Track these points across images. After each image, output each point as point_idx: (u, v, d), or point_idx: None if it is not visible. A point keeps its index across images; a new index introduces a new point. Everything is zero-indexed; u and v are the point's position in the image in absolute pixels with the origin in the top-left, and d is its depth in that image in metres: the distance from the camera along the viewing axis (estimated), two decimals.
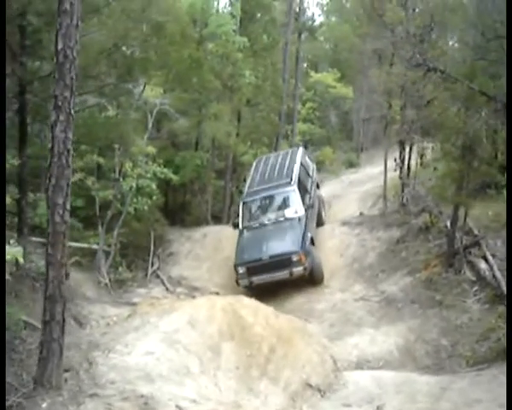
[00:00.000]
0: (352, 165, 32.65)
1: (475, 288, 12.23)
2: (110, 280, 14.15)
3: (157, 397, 6.89)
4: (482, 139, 12.79)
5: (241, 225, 15.12)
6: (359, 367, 10.16)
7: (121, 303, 13.02)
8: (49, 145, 5.76)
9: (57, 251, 5.86)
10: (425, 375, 9.40)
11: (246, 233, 14.96)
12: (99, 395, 6.52)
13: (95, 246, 14.29)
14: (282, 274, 13.69)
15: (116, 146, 14.12)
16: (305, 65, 37.28)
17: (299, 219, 14.69)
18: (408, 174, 17.69)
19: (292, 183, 15.37)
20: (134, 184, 14.72)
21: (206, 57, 19.24)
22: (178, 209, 20.89)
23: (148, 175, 15.41)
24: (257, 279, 13.80)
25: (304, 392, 8.61)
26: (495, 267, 12.21)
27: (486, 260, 12.61)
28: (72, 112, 5.66)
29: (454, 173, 12.67)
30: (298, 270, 13.69)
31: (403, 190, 17.72)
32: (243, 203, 15.55)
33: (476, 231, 13.64)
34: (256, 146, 24.21)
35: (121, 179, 14.62)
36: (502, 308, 11.06)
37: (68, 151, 5.65)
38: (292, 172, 15.87)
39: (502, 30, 9.39)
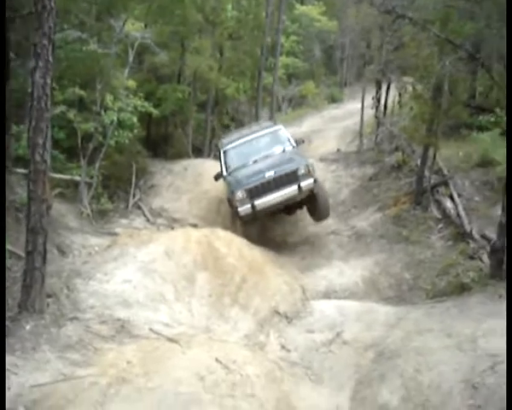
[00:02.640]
0: (334, 100, 32.82)
1: (440, 225, 12.83)
2: (92, 211, 14.42)
3: (133, 321, 7.51)
4: (455, 82, 13.20)
5: (224, 172, 13.50)
6: (326, 297, 10.76)
7: (102, 233, 13.42)
8: (29, 90, 6.12)
9: (38, 187, 6.32)
10: (385, 306, 10.07)
11: (235, 173, 13.14)
12: (79, 319, 7.11)
13: (77, 178, 14.55)
14: (290, 191, 12.17)
15: (97, 80, 14.29)
16: None
17: (294, 148, 13.61)
18: (384, 113, 18.09)
19: (276, 125, 14.73)
20: (115, 118, 14.92)
21: None
22: (160, 142, 21.14)
23: (129, 108, 15.64)
24: (261, 202, 12.10)
25: (272, 318, 9.20)
26: (460, 207, 12.80)
27: (453, 200, 13.21)
28: (51, 59, 6.00)
29: (425, 115, 13.12)
30: (307, 184, 12.22)
31: (378, 129, 18.13)
32: (224, 152, 13.88)
33: (445, 171, 14.20)
34: (238, 79, 24.29)
35: (102, 112, 14.82)
36: (463, 246, 11.72)
37: (47, 96, 6.01)
38: (272, 123, 15.52)
39: None
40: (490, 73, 9.32)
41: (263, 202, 12.11)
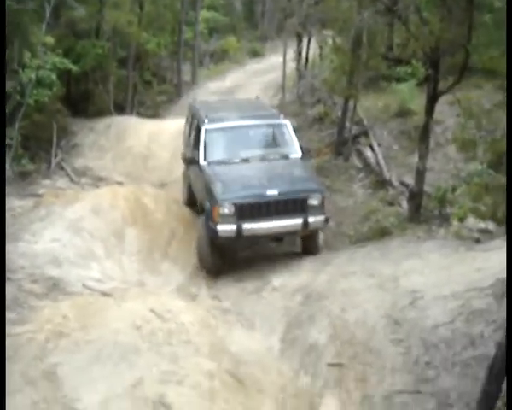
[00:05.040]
0: (256, 54, 32.75)
1: (361, 174, 13.35)
2: (13, 173, 14.18)
3: (65, 279, 7.56)
4: (373, 35, 13.60)
5: (202, 159, 9.98)
6: None
7: (26, 195, 13.20)
8: None
9: None
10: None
11: (218, 168, 9.82)
12: (11, 279, 7.09)
13: None
14: (291, 224, 9.13)
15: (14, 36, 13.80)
16: None
17: (302, 159, 10.34)
18: (306, 66, 18.36)
19: (282, 116, 11.14)
20: (33, 76, 14.50)
21: None
22: (81, 100, 20.62)
23: (48, 66, 15.18)
24: (252, 228, 8.95)
25: (202, 271, 9.46)
26: (379, 156, 13.34)
27: (372, 149, 13.73)
28: None
29: (345, 67, 13.48)
30: (316, 221, 9.21)
31: (299, 82, 18.42)
32: (206, 131, 10.30)
33: (365, 122, 14.68)
34: (159, 34, 23.92)
35: (20, 70, 14.39)
36: (383, 193, 12.29)
37: None
38: (273, 109, 12.18)
39: None
40: (406, 25, 9.69)
41: (254, 228, 8.96)
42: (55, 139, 16.18)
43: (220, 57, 31.74)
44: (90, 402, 4.42)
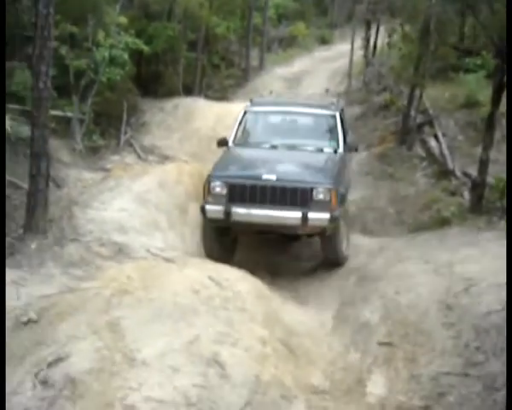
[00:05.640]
0: (325, 41, 32.74)
1: (424, 163, 13.29)
2: (84, 147, 14.72)
3: (130, 245, 7.95)
4: (442, 24, 13.44)
5: (231, 141, 9.53)
6: None
7: (95, 168, 13.72)
8: (33, 20, 6.37)
9: (41, 113, 6.64)
10: (370, 237, 10.59)
11: (239, 149, 9.42)
12: (79, 241, 7.53)
13: (69, 114, 14.77)
14: (288, 217, 7.97)
15: (89, 16, 14.36)
16: None
17: (338, 155, 9.29)
18: (373, 54, 18.29)
19: (333, 107, 10.09)
20: (107, 54, 15.02)
21: None
22: (151, 80, 21.16)
23: (121, 46, 15.70)
24: (240, 214, 8.00)
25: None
26: (444, 145, 13.24)
27: (437, 139, 13.62)
28: None
29: (412, 55, 13.40)
30: (318, 218, 7.95)
31: (366, 69, 18.37)
32: (244, 113, 9.93)
33: (431, 111, 14.56)
34: (229, 18, 24.23)
35: (94, 49, 14.93)
36: (445, 183, 12.21)
37: (50, 25, 6.27)
38: (331, 101, 10.83)
39: None
40: (475, 15, 9.59)
41: (243, 214, 8.01)
42: (125, 117, 16.71)
43: (289, 43, 31.84)
44: (149, 354, 4.71)
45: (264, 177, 8.08)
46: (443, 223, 10.49)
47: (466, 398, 5.29)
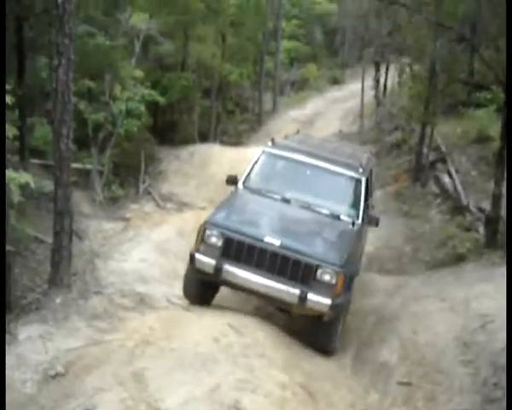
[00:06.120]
0: (336, 81, 33.25)
1: (438, 200, 13.44)
2: (104, 198, 15.01)
3: (151, 294, 8.16)
4: (451, 62, 13.70)
5: (241, 182, 8.43)
6: None
7: (115, 218, 13.98)
8: (53, 85, 6.73)
9: (64, 173, 6.96)
10: (387, 276, 10.70)
11: (247, 194, 8.30)
12: (102, 293, 7.77)
13: (89, 166, 15.14)
14: (284, 292, 6.92)
15: (106, 71, 14.87)
16: None
17: (354, 227, 8.04)
18: (384, 93, 18.62)
19: (361, 170, 8.73)
20: (124, 107, 15.48)
21: None
22: (167, 129, 21.67)
23: (137, 98, 16.17)
24: (233, 273, 7.03)
25: None
26: (457, 182, 13.39)
27: (450, 175, 13.78)
28: (72, 56, 6.62)
29: (422, 94, 13.66)
30: (318, 301, 6.86)
31: (378, 109, 18.68)
32: (263, 153, 8.81)
33: (443, 148, 14.76)
34: (241, 65, 24.82)
35: (111, 102, 15.38)
36: (460, 219, 12.31)
37: (69, 90, 6.63)
38: (360, 160, 9.37)
39: None
40: (479, 53, 9.83)
41: (236, 275, 7.03)
42: (142, 166, 17.08)
43: (301, 85, 32.41)
44: (172, 403, 4.87)
45: (267, 239, 7.04)
46: (459, 259, 10.60)
47: None
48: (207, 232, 7.16)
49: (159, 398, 4.91)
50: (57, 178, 7.00)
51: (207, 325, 6.44)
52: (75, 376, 5.29)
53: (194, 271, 7.30)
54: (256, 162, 8.67)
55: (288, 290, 6.91)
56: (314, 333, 7.44)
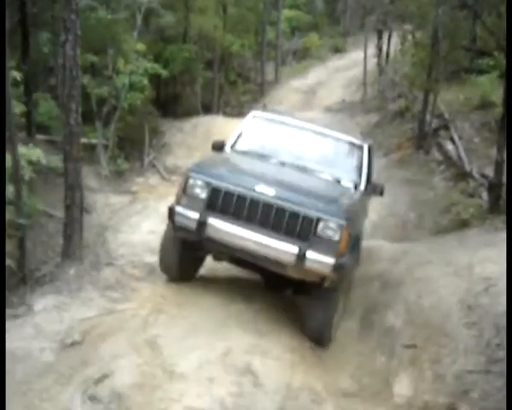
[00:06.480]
0: (338, 50, 33.07)
1: (442, 167, 13.47)
2: (110, 172, 15.12)
3: None
4: (454, 28, 13.68)
5: (229, 145, 7.56)
6: None
7: (122, 192, 14.11)
8: (61, 61, 6.85)
9: (73, 148, 7.09)
10: (392, 243, 10.82)
11: (236, 155, 7.44)
12: (114, 264, 7.93)
13: (94, 140, 15.23)
14: (279, 248, 6.00)
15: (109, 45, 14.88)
16: None
17: (358, 192, 7.38)
18: (386, 61, 18.57)
19: (361, 139, 8.22)
20: (127, 81, 15.52)
21: None
22: (170, 101, 21.69)
23: (140, 71, 16.19)
24: (218, 228, 6.13)
25: None
26: (460, 148, 13.41)
27: (453, 142, 13.82)
28: (79, 32, 6.71)
29: (424, 61, 13.66)
30: (320, 259, 5.96)
31: (380, 77, 18.66)
32: (254, 117, 7.99)
33: (446, 115, 14.77)
34: (243, 36, 24.73)
35: (115, 76, 15.41)
36: (463, 185, 12.39)
37: (77, 65, 6.73)
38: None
39: None
40: (481, 19, 9.85)
41: (222, 230, 6.12)
42: (147, 139, 17.15)
43: (302, 55, 32.27)
44: (187, 367, 5.07)
45: (258, 188, 6.14)
46: (462, 225, 10.70)
47: (489, 393, 5.55)
48: (190, 181, 6.27)
49: (173, 363, 5.11)
50: (67, 152, 7.13)
51: (217, 292, 6.61)
52: (91, 344, 5.48)
53: (174, 230, 6.47)
54: (243, 127, 7.78)
55: (283, 248, 5.95)
56: (307, 316, 6.45)
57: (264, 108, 8.64)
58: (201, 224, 6.07)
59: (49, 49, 13.55)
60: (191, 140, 18.15)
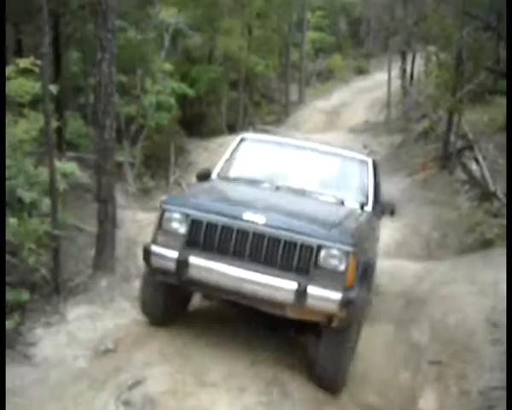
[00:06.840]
0: (361, 72, 33.32)
1: (466, 187, 13.56)
2: (136, 189, 15.43)
3: None
4: (478, 50, 13.79)
5: (216, 173, 6.84)
6: None
7: (148, 209, 14.39)
8: (97, 79, 7.11)
9: (107, 163, 7.33)
10: (415, 262, 10.87)
11: (223, 183, 6.66)
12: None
13: (121, 158, 15.51)
14: (274, 285, 5.09)
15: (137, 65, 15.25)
16: None
17: (364, 213, 6.45)
18: (411, 83, 18.72)
19: (366, 152, 7.35)
20: (154, 100, 15.87)
21: None
22: (195, 121, 22.01)
23: (167, 91, 16.54)
24: (202, 268, 5.25)
25: None
26: (484, 168, 13.50)
27: (477, 162, 13.89)
28: (115, 51, 6.98)
29: (448, 82, 13.78)
30: (324, 295, 5.02)
31: (405, 98, 18.79)
32: (241, 140, 7.26)
33: (470, 136, 14.86)
34: (267, 57, 25.06)
35: (142, 96, 15.77)
36: (488, 205, 12.43)
37: (112, 83, 6.98)
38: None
39: None
40: (505, 41, 9.95)
41: (206, 269, 5.25)
42: (172, 158, 17.44)
43: (326, 76, 32.56)
44: (216, 376, 5.22)
45: (246, 216, 5.25)
46: (487, 244, 10.73)
47: None
48: (166, 215, 5.43)
49: (204, 371, 5.24)
50: (101, 167, 7.36)
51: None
52: (124, 351, 5.64)
53: (150, 273, 5.67)
54: (232, 151, 7.09)
55: (279, 285, 5.06)
56: (318, 357, 5.49)
57: (254, 128, 7.69)
58: (181, 263, 5.22)
59: (79, 69, 13.94)
60: (216, 159, 18.22)
